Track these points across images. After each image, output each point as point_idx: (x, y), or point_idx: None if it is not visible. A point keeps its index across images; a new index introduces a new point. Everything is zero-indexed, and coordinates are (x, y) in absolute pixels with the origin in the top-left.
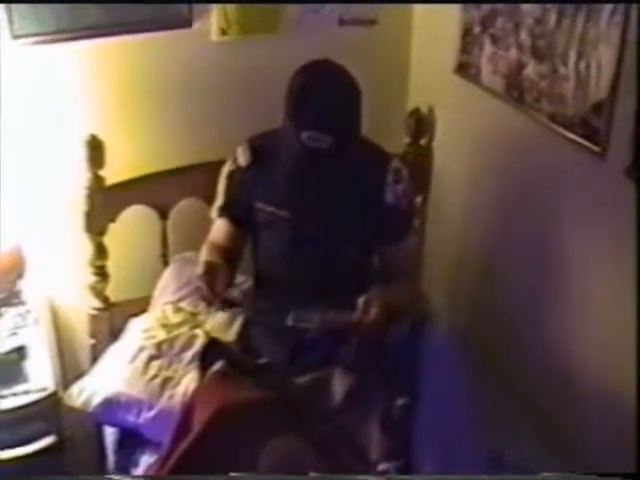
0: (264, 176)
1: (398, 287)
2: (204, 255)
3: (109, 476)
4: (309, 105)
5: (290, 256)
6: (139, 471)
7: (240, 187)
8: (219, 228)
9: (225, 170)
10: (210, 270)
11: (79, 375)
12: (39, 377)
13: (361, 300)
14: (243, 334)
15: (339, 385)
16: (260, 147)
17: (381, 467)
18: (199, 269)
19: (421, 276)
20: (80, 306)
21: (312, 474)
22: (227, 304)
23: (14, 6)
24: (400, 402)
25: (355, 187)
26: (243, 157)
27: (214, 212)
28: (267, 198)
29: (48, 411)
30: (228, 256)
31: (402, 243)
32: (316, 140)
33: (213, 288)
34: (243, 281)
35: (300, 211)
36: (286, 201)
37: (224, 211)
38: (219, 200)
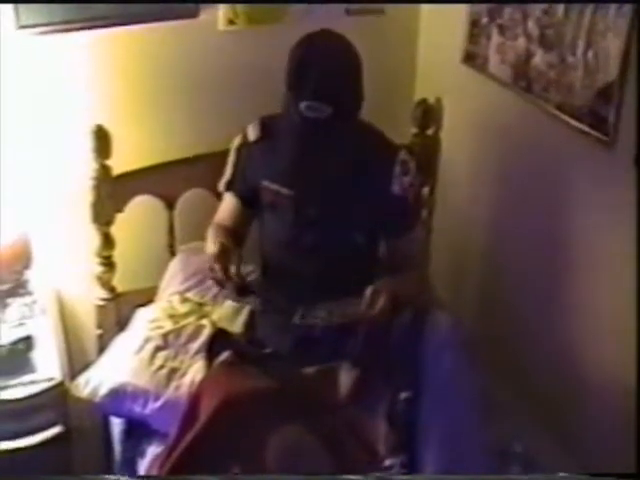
0: (271, 153)
1: (405, 277)
2: (214, 235)
3: (109, 476)
4: (307, 75)
5: (295, 242)
6: (146, 461)
7: (247, 162)
8: (226, 206)
9: (234, 144)
10: (224, 251)
11: (86, 365)
12: (46, 367)
13: (368, 291)
14: (250, 324)
15: (345, 378)
16: (269, 125)
17: (387, 462)
18: (212, 248)
19: (428, 267)
20: (87, 296)
21: (312, 474)
22: (241, 289)
23: None
24: (404, 396)
25: (359, 173)
26: (252, 132)
27: (221, 186)
28: (272, 176)
29: (55, 401)
30: (235, 237)
31: (408, 235)
32: (315, 110)
33: (227, 270)
34: (251, 271)
35: (302, 190)
36: (289, 178)
37: (231, 185)
38: (227, 174)
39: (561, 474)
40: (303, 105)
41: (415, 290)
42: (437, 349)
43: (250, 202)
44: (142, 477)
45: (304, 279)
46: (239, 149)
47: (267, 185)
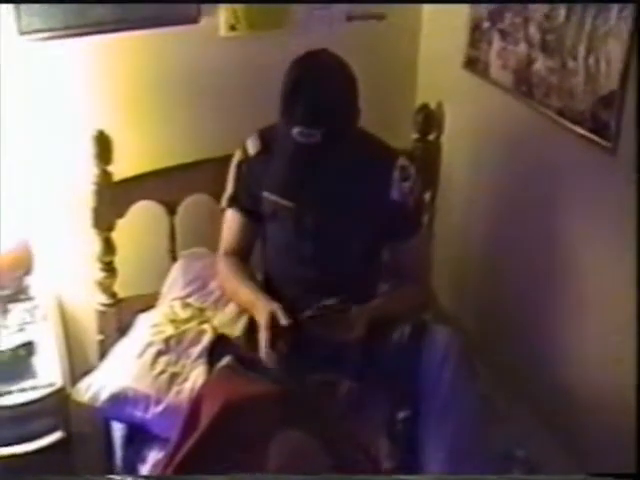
0: (271, 165)
1: (398, 294)
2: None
3: (112, 476)
4: (297, 101)
5: (296, 251)
6: (147, 467)
7: (248, 176)
8: (232, 225)
9: (234, 160)
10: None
11: (87, 371)
12: (47, 373)
13: (347, 315)
14: (251, 330)
15: (344, 390)
16: (269, 137)
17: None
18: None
19: (431, 276)
20: (88, 302)
21: (312, 475)
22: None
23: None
24: (402, 415)
25: (358, 182)
26: (252, 146)
27: (224, 202)
28: (272, 187)
29: (56, 407)
30: (244, 253)
31: (411, 241)
32: (306, 136)
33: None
34: None
35: (302, 202)
36: (288, 191)
37: (233, 201)
38: (228, 190)
39: (561, 474)
40: (295, 131)
41: (409, 305)
42: (436, 363)
43: (254, 215)
44: (145, 477)
45: (305, 288)
46: (239, 165)
47: (267, 196)
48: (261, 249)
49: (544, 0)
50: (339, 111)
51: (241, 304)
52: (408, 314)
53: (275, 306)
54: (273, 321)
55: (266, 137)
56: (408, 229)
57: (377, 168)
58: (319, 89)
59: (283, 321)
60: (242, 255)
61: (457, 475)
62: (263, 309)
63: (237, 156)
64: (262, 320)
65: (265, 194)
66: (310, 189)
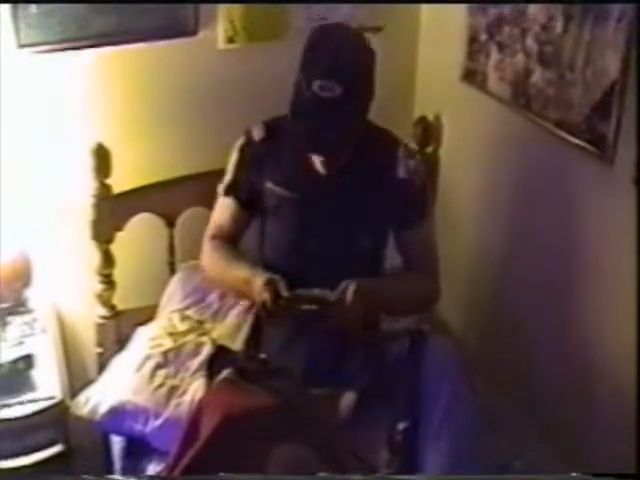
0: (275, 155)
1: (398, 277)
2: (234, 259)
3: (113, 476)
4: (320, 55)
5: (299, 246)
6: None
7: (251, 163)
8: (225, 211)
9: (237, 144)
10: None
11: (86, 384)
12: (46, 386)
13: (344, 284)
14: (250, 342)
15: (346, 402)
16: (274, 127)
17: None
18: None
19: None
20: (87, 314)
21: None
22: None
23: (21, 15)
24: (402, 426)
25: (365, 165)
26: (257, 132)
27: (221, 189)
28: (277, 179)
29: (55, 420)
30: (233, 239)
31: (418, 230)
32: (327, 89)
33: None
34: None
35: (308, 192)
36: (294, 181)
37: (231, 189)
38: (228, 177)
39: (561, 474)
40: (316, 84)
41: (412, 292)
42: (436, 375)
43: (251, 205)
44: (149, 477)
45: (308, 283)
46: (242, 149)
47: (271, 187)
48: (259, 246)
49: (543, 0)
50: (360, 73)
51: (233, 285)
52: (411, 304)
53: (276, 277)
54: (273, 294)
55: (272, 126)
56: (415, 213)
57: (383, 149)
58: (345, 47)
59: (284, 292)
60: (230, 241)
61: (457, 475)
62: (261, 280)
63: (240, 141)
64: (261, 290)
65: (268, 185)
66: (317, 176)
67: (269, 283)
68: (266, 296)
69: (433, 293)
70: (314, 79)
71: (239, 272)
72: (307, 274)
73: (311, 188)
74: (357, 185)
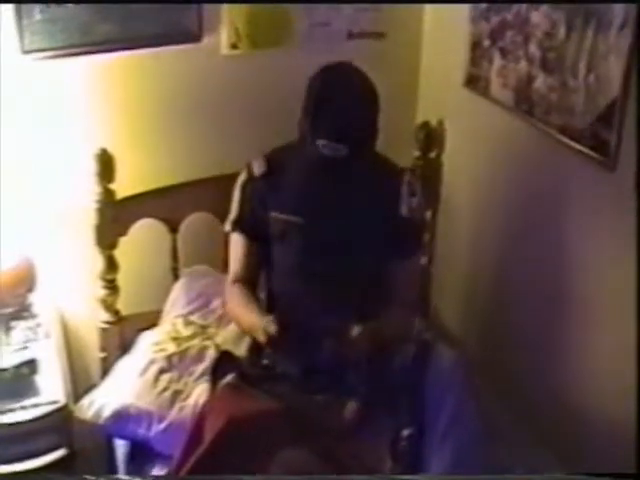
0: (278, 186)
1: (391, 318)
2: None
3: (118, 476)
4: (326, 114)
5: (305, 270)
6: None
7: (254, 198)
8: (238, 250)
9: (239, 181)
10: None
11: (89, 388)
12: (50, 390)
13: (352, 331)
14: (254, 347)
15: (349, 409)
16: (275, 159)
17: None
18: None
19: (430, 296)
20: (91, 319)
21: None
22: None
23: (25, 21)
24: (406, 433)
25: (368, 198)
26: (257, 167)
27: (228, 225)
28: (281, 207)
29: (59, 424)
30: (251, 277)
31: (408, 262)
32: (332, 149)
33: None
34: None
35: (313, 217)
36: (299, 207)
37: (237, 224)
38: (233, 213)
39: (561, 474)
40: (320, 143)
41: (400, 329)
42: (440, 383)
43: (259, 237)
44: (154, 477)
45: (314, 307)
46: (244, 186)
47: (276, 216)
48: (265, 271)
49: (543, 0)
50: (365, 127)
51: (245, 330)
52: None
53: (265, 320)
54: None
55: (272, 159)
56: (410, 247)
57: (387, 184)
58: (349, 103)
59: (272, 330)
60: (249, 280)
61: (457, 475)
62: (259, 327)
63: (242, 177)
64: (261, 337)
65: (273, 214)
66: (323, 203)
67: (263, 330)
68: (263, 339)
69: (407, 329)
70: (318, 137)
71: (246, 320)
72: (313, 296)
73: (317, 213)
74: (359, 213)
